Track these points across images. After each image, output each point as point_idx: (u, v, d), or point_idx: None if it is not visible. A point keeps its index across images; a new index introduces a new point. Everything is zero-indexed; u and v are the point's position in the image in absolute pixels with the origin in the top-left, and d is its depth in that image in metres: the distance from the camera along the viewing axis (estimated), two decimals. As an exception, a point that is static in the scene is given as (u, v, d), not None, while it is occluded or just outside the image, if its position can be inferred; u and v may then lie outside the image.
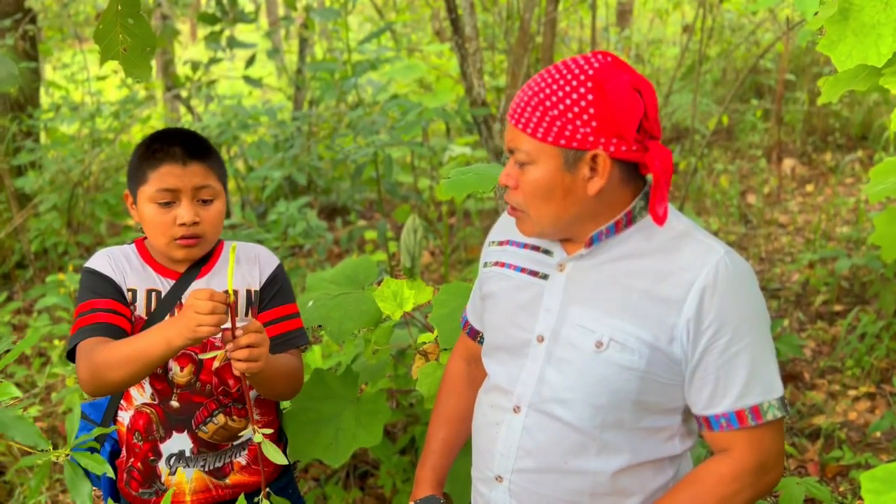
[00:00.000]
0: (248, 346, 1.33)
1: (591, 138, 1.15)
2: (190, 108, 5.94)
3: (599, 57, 1.18)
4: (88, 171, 4.32)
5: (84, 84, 5.14)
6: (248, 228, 3.22)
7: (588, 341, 1.20)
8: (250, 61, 5.60)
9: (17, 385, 3.42)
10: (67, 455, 1.26)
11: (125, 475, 1.62)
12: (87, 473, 1.68)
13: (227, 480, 1.64)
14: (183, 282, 1.60)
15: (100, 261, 1.58)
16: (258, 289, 1.63)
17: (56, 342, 3.38)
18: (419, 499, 1.46)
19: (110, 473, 1.24)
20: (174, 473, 1.59)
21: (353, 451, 1.83)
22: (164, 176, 1.50)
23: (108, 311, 1.51)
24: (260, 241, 3.22)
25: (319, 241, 3.42)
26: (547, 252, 1.30)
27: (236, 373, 1.37)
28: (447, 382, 1.56)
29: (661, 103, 6.39)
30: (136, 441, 1.60)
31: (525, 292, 1.30)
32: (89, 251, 4.40)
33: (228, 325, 1.34)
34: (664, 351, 1.17)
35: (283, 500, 1.44)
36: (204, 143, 1.59)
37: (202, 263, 1.62)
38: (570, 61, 1.19)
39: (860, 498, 2.62)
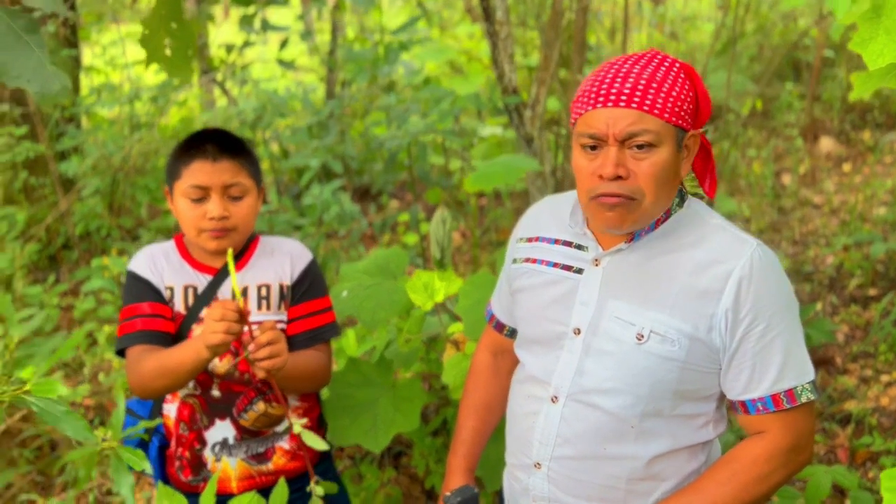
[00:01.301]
0: (267, 345, 1.43)
1: (690, 119, 1.23)
2: (225, 91, 6.02)
3: (664, 53, 1.26)
4: (128, 156, 4.43)
5: (123, 69, 5.25)
6: (285, 213, 3.29)
7: (629, 334, 1.24)
8: (284, 44, 5.65)
9: (66, 365, 3.57)
10: (113, 448, 1.34)
11: (176, 463, 1.71)
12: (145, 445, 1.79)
13: (270, 465, 1.71)
14: (219, 277, 1.67)
15: (140, 263, 1.67)
16: (290, 283, 1.70)
17: (105, 328, 3.51)
18: (453, 489, 1.52)
19: (149, 470, 1.32)
20: (219, 461, 1.67)
21: (392, 436, 1.89)
22: (195, 173, 1.58)
23: (149, 315, 1.62)
24: (297, 227, 3.29)
25: (353, 227, 3.48)
26: (580, 247, 1.34)
27: (260, 374, 1.45)
28: (474, 373, 1.61)
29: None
30: (182, 431, 1.68)
31: (558, 286, 1.33)
32: (131, 234, 4.53)
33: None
34: (703, 341, 1.22)
35: (330, 483, 1.51)
36: (236, 141, 1.65)
37: (237, 258, 1.68)
38: (652, 52, 1.24)
39: (889, 484, 2.63)
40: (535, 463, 1.34)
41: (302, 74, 8.72)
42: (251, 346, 1.44)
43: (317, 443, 1.49)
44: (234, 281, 1.44)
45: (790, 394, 1.23)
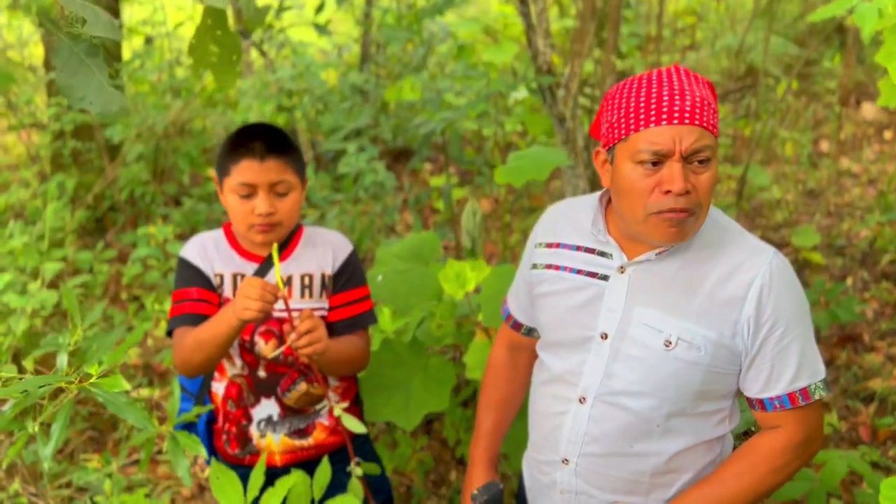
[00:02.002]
0: (307, 332, 1.54)
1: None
2: (263, 53, 6.08)
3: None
4: (170, 122, 4.55)
5: (163, 32, 5.33)
6: (322, 191, 3.38)
7: (657, 340, 1.31)
8: (319, 8, 5.67)
9: (116, 328, 3.75)
10: (170, 432, 1.46)
11: (223, 436, 1.85)
12: (189, 428, 1.93)
13: (311, 440, 1.84)
14: (265, 266, 1.77)
15: (191, 251, 1.78)
16: (332, 273, 1.80)
17: (152, 299, 3.66)
18: (480, 487, 1.61)
19: (204, 455, 1.45)
20: (264, 437, 1.80)
21: (423, 414, 2.01)
22: (244, 171, 1.66)
23: (196, 300, 1.74)
24: (332, 203, 3.38)
25: (388, 207, 3.56)
26: (603, 254, 1.39)
27: (303, 359, 1.56)
28: (492, 369, 1.69)
29: (738, 43, 6.19)
30: (230, 408, 1.81)
31: (584, 293, 1.39)
32: (175, 201, 4.67)
33: (285, 313, 1.54)
34: (727, 346, 1.30)
35: (371, 465, 1.62)
36: (283, 138, 1.73)
37: (283, 248, 1.78)
38: (681, 70, 1.31)
39: (908, 463, 2.69)
40: (562, 459, 1.42)
41: (337, 37, 8.72)
42: (293, 336, 1.55)
43: (355, 426, 1.61)
44: (277, 272, 1.55)
45: (805, 392, 1.31)
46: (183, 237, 4.39)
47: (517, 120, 5.72)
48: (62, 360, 1.40)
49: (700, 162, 1.25)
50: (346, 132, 4.30)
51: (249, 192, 1.67)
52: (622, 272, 1.36)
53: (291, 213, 1.73)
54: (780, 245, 4.23)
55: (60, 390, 1.32)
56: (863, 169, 4.97)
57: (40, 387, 1.28)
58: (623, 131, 1.28)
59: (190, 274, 1.76)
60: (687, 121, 1.23)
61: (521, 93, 5.52)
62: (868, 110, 5.76)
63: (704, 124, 1.24)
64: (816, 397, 1.32)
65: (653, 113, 1.25)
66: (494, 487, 1.59)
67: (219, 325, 1.61)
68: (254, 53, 6.72)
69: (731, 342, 1.30)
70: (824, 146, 5.34)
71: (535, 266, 1.49)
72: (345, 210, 3.30)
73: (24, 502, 2.78)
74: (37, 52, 6.67)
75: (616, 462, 1.38)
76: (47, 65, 4.93)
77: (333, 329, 1.81)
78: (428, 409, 2.00)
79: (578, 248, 1.43)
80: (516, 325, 1.63)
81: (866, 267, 3.90)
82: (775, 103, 5.32)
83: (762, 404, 1.34)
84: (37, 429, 1.31)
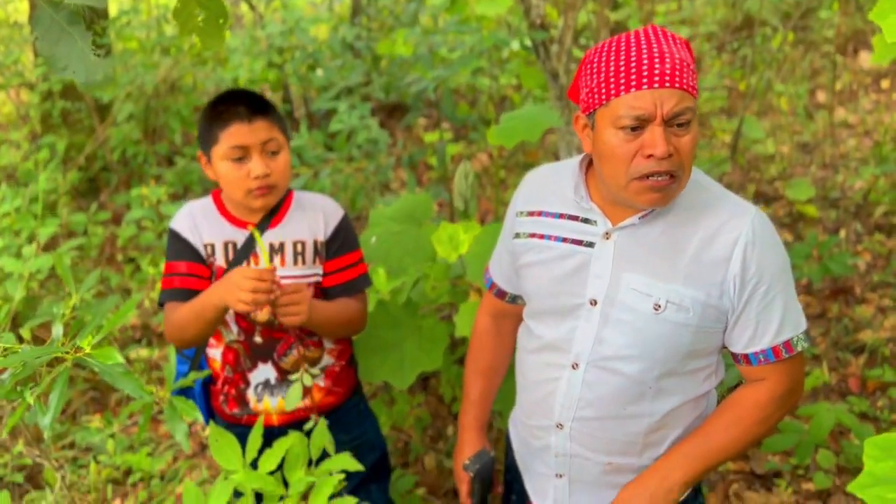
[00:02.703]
0: (286, 305, 1.60)
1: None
2: (252, 7, 5.98)
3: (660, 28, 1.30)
4: (161, 81, 4.49)
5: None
6: (314, 150, 3.36)
7: (646, 305, 1.32)
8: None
9: (112, 290, 3.77)
10: (167, 399, 1.48)
11: (221, 397, 1.88)
12: (186, 391, 1.95)
13: (307, 401, 1.87)
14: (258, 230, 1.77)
15: (181, 222, 1.78)
16: (324, 240, 1.80)
17: (148, 261, 3.67)
18: (471, 456, 1.64)
19: (200, 420, 1.47)
20: (261, 401, 1.83)
21: (417, 374, 2.04)
22: (234, 134, 1.66)
23: (185, 275, 1.75)
24: (325, 161, 3.36)
25: (382, 165, 3.55)
26: (587, 221, 1.38)
27: (286, 325, 1.64)
28: (477, 338, 1.70)
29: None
30: (227, 373, 1.84)
31: (570, 260, 1.38)
32: (167, 160, 4.64)
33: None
34: (714, 306, 1.31)
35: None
36: (264, 100, 1.73)
37: (273, 214, 1.78)
38: (658, 30, 1.28)
39: (896, 413, 2.75)
40: (556, 424, 1.43)
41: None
42: (277, 310, 1.62)
43: (293, 402, 1.75)
44: (265, 254, 1.58)
45: (788, 344, 1.34)
46: (176, 197, 4.38)
47: (512, 73, 5.66)
48: (57, 330, 1.40)
49: (680, 125, 1.24)
50: (338, 90, 4.26)
51: (242, 154, 1.66)
52: (607, 238, 1.36)
53: (285, 173, 1.74)
54: (775, 198, 4.23)
55: (58, 359, 1.34)
56: (859, 119, 4.94)
57: (37, 358, 1.29)
58: (603, 96, 1.26)
59: (179, 247, 1.77)
60: (668, 84, 1.22)
61: (516, 44, 5.44)
62: (865, 59, 5.70)
63: (685, 87, 1.23)
64: (799, 349, 1.35)
65: (633, 77, 1.23)
66: (486, 456, 1.62)
67: (208, 307, 1.64)
68: (243, 7, 6.60)
69: (719, 301, 1.31)
70: (821, 97, 5.30)
71: (517, 235, 1.48)
72: (338, 169, 3.29)
73: (28, 463, 2.83)
74: (22, 8, 6.54)
75: (610, 425, 1.40)
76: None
77: (330, 294, 1.82)
78: (422, 369, 2.03)
79: (562, 216, 1.42)
80: (500, 294, 1.62)
81: (860, 219, 3.91)
82: (772, 53, 5.26)
83: (747, 359, 1.36)
84: (34, 399, 1.32)
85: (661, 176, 1.25)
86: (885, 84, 5.38)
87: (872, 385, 2.91)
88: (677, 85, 1.22)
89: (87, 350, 1.32)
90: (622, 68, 1.24)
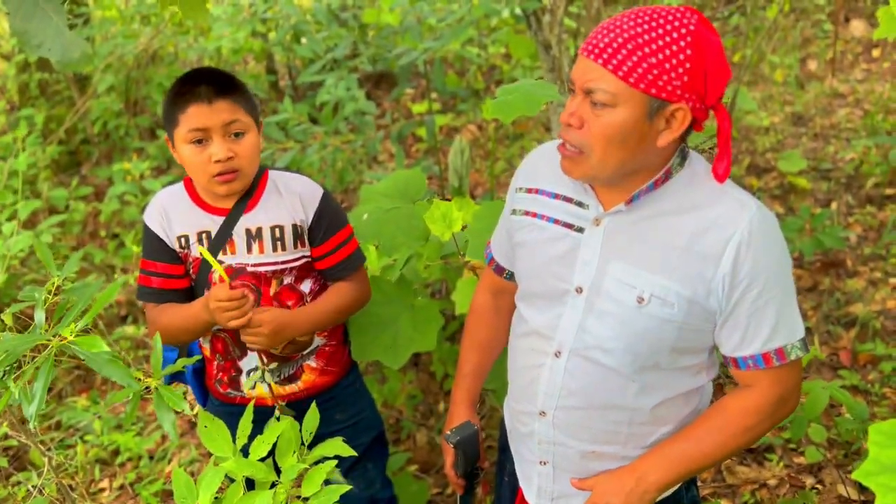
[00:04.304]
0: (228, 311, 1.58)
1: (678, 91, 1.17)
2: (233, -26, 5.82)
3: (689, 14, 1.19)
4: (142, 51, 4.37)
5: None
6: (300, 125, 3.29)
7: (630, 296, 1.27)
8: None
9: (96, 267, 3.71)
10: (155, 388, 1.43)
11: (214, 381, 1.84)
12: (180, 374, 1.92)
13: (300, 383, 1.83)
14: (231, 218, 1.69)
15: (152, 217, 1.71)
16: (305, 225, 1.72)
17: (132, 237, 3.60)
18: (453, 428, 1.61)
19: (188, 412, 1.42)
20: (254, 388, 1.79)
21: (411, 353, 2.00)
22: (193, 116, 1.57)
23: (162, 275, 1.71)
24: (313, 136, 3.29)
25: (371, 138, 3.48)
26: (580, 204, 1.34)
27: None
28: (475, 313, 1.67)
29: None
30: (218, 361, 1.79)
31: (560, 244, 1.35)
32: (150, 132, 4.54)
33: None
34: (701, 304, 1.25)
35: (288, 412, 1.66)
36: (229, 79, 1.63)
37: (248, 198, 1.70)
38: (665, 11, 1.19)
39: (888, 387, 2.75)
40: (540, 411, 1.41)
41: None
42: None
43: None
44: (220, 270, 1.55)
45: (780, 352, 1.27)
46: (160, 171, 4.29)
47: (501, 43, 5.56)
48: (40, 316, 1.35)
49: (593, 104, 1.19)
50: (324, 62, 4.17)
51: (202, 136, 1.58)
52: (597, 224, 1.31)
53: (251, 157, 1.64)
54: (766, 170, 4.21)
55: (41, 345, 1.29)
56: (850, 89, 4.91)
57: (19, 346, 1.25)
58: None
59: (153, 246, 1.71)
60: (593, 57, 1.18)
61: (506, 12, 5.35)
62: (857, 27, 5.65)
63: (611, 66, 1.16)
64: (793, 357, 1.28)
65: (583, 43, 1.22)
66: (469, 428, 1.59)
67: (199, 322, 1.64)
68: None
69: (705, 301, 1.25)
70: (812, 66, 5.26)
71: (514, 212, 1.45)
72: (325, 144, 3.22)
73: (14, 444, 2.80)
74: (-5, -24, 6.35)
75: (593, 415, 1.36)
76: (7, -10, 4.70)
77: (327, 276, 1.78)
78: (415, 349, 1.99)
79: (556, 196, 1.38)
80: (499, 269, 1.60)
81: (851, 191, 3.90)
82: (765, 22, 5.20)
83: (735, 363, 1.31)
84: (18, 388, 1.28)
85: (568, 145, 1.25)
86: (876, 53, 5.34)
87: (863, 359, 2.91)
88: (601, 61, 1.17)
89: (71, 338, 1.28)
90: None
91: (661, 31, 1.16)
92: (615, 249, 1.30)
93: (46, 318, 1.37)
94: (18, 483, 2.58)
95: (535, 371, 1.40)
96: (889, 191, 3.82)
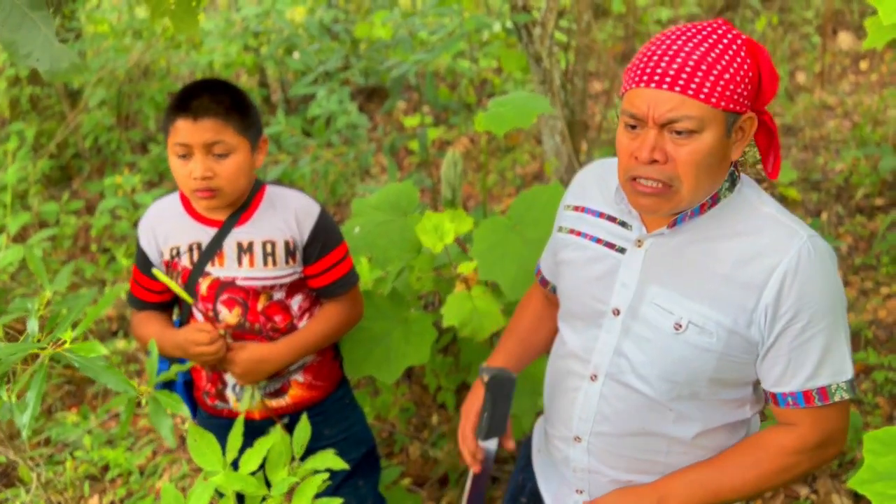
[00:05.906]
0: (201, 348, 1.66)
1: (747, 102, 1.15)
2: (225, -11, 5.85)
3: (726, 24, 1.18)
4: (133, 65, 4.37)
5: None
6: (293, 136, 3.28)
7: (667, 322, 1.22)
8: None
9: (87, 281, 3.68)
10: (151, 393, 1.43)
11: (202, 393, 1.82)
12: (168, 384, 1.91)
13: (287, 398, 1.81)
14: (223, 231, 1.69)
15: (144, 230, 1.74)
16: (299, 242, 1.71)
17: (123, 251, 3.58)
18: (492, 366, 1.51)
19: (185, 413, 1.42)
20: (241, 399, 1.78)
21: (404, 368, 1.99)
22: (179, 130, 1.57)
23: (142, 287, 1.79)
24: (304, 148, 3.29)
25: (363, 151, 3.48)
26: (624, 224, 1.31)
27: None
28: (522, 306, 1.63)
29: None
30: (206, 372, 1.78)
31: (600, 264, 1.31)
32: (142, 147, 4.54)
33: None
34: (742, 334, 1.20)
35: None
36: (229, 97, 1.61)
37: (241, 211, 1.69)
38: (703, 26, 1.17)
39: (881, 396, 2.76)
40: (574, 437, 1.37)
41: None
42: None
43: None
44: (182, 294, 1.65)
45: (823, 391, 1.20)
46: (152, 185, 4.28)
47: (492, 56, 5.59)
48: (32, 325, 1.34)
49: (678, 133, 1.13)
50: (316, 75, 4.18)
51: (185, 151, 1.58)
52: (639, 245, 1.27)
53: (232, 178, 1.61)
54: (757, 181, 4.22)
55: (33, 356, 1.28)
56: (839, 101, 4.94)
57: (12, 354, 1.23)
58: (624, 86, 1.20)
59: (140, 259, 1.77)
60: (666, 86, 1.12)
61: (497, 26, 5.37)
62: (844, 40, 5.70)
63: (690, 92, 1.11)
64: (836, 399, 1.19)
65: (638, 73, 1.15)
66: (506, 373, 1.47)
67: (168, 345, 1.70)
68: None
69: (746, 331, 1.19)
70: (801, 78, 5.30)
71: (560, 229, 1.43)
72: (317, 156, 3.22)
73: (2, 461, 2.76)
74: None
75: (629, 442, 1.31)
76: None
77: (322, 294, 1.77)
78: (409, 363, 1.98)
79: (601, 215, 1.34)
80: (543, 282, 1.57)
81: (841, 201, 3.92)
82: (752, 34, 5.24)
83: (775, 398, 1.23)
84: (12, 397, 1.27)
85: (648, 181, 1.17)
86: (864, 65, 5.39)
87: (856, 368, 2.92)
88: (678, 89, 1.11)
89: (68, 344, 1.26)
90: (636, 61, 1.17)
91: (720, 46, 1.13)
92: (655, 273, 1.25)
93: (39, 329, 1.36)
94: (6, 500, 2.55)
95: (571, 394, 1.37)
96: (879, 201, 3.84)
